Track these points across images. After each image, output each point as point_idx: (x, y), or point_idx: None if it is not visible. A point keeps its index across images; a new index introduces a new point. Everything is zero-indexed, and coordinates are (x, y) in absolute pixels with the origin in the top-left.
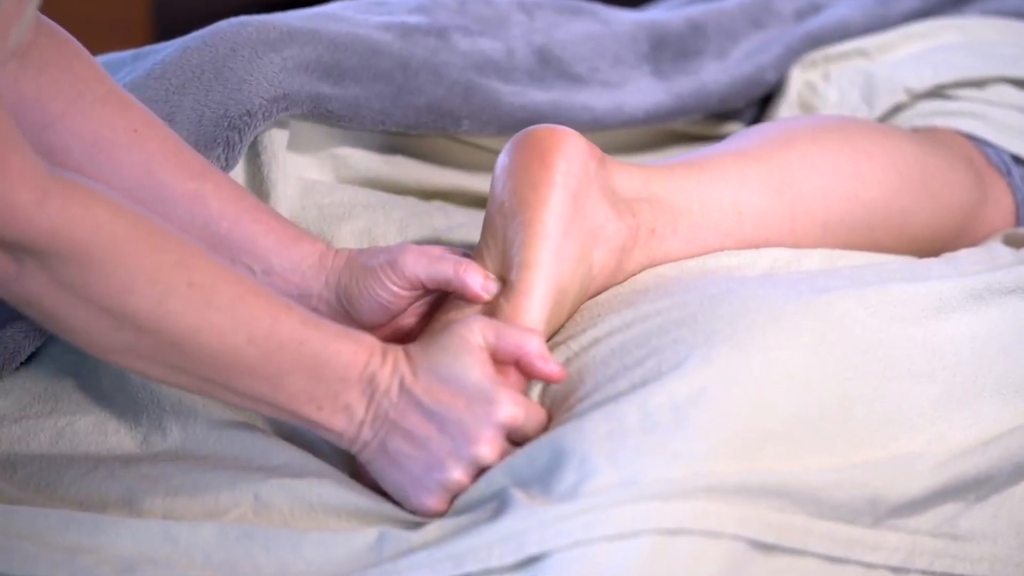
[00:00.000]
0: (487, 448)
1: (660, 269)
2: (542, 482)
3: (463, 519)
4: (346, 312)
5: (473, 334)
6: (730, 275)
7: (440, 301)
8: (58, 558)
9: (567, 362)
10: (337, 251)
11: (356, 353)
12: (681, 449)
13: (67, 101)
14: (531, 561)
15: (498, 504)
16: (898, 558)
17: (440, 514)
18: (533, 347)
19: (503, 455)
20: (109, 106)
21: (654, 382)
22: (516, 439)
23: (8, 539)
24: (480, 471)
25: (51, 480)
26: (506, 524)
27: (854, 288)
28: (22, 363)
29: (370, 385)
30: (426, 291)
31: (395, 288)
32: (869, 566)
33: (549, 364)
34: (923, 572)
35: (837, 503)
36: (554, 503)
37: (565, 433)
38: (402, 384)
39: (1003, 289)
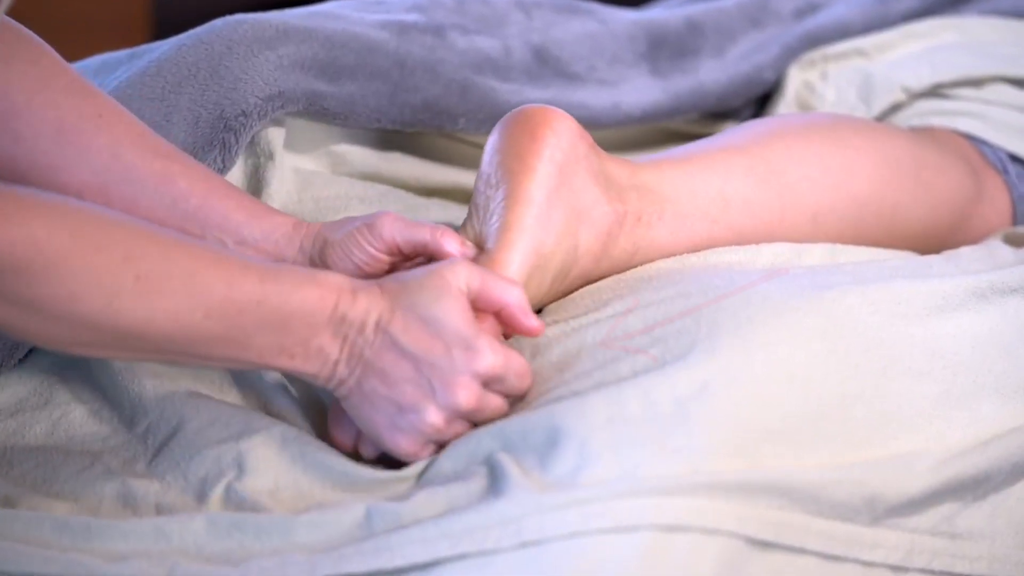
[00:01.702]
0: (464, 394)
1: (662, 263)
2: (538, 457)
3: (453, 490)
4: None
5: (457, 277)
6: (732, 269)
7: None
8: (52, 555)
9: (564, 336)
10: (310, 223)
11: (322, 298)
12: (682, 444)
13: (33, 91)
14: (528, 545)
15: (489, 473)
16: (897, 556)
17: (415, 458)
18: (516, 299)
19: (480, 402)
20: (74, 95)
21: (657, 371)
22: (495, 388)
23: (3, 541)
24: (456, 420)
25: (47, 477)
26: (503, 507)
27: (856, 285)
28: (20, 360)
29: (341, 326)
30: (404, 258)
31: (371, 250)
32: (868, 564)
33: (529, 318)
34: (922, 571)
35: (836, 502)
36: (552, 488)
37: (564, 412)
38: (379, 323)
39: (1005, 289)
